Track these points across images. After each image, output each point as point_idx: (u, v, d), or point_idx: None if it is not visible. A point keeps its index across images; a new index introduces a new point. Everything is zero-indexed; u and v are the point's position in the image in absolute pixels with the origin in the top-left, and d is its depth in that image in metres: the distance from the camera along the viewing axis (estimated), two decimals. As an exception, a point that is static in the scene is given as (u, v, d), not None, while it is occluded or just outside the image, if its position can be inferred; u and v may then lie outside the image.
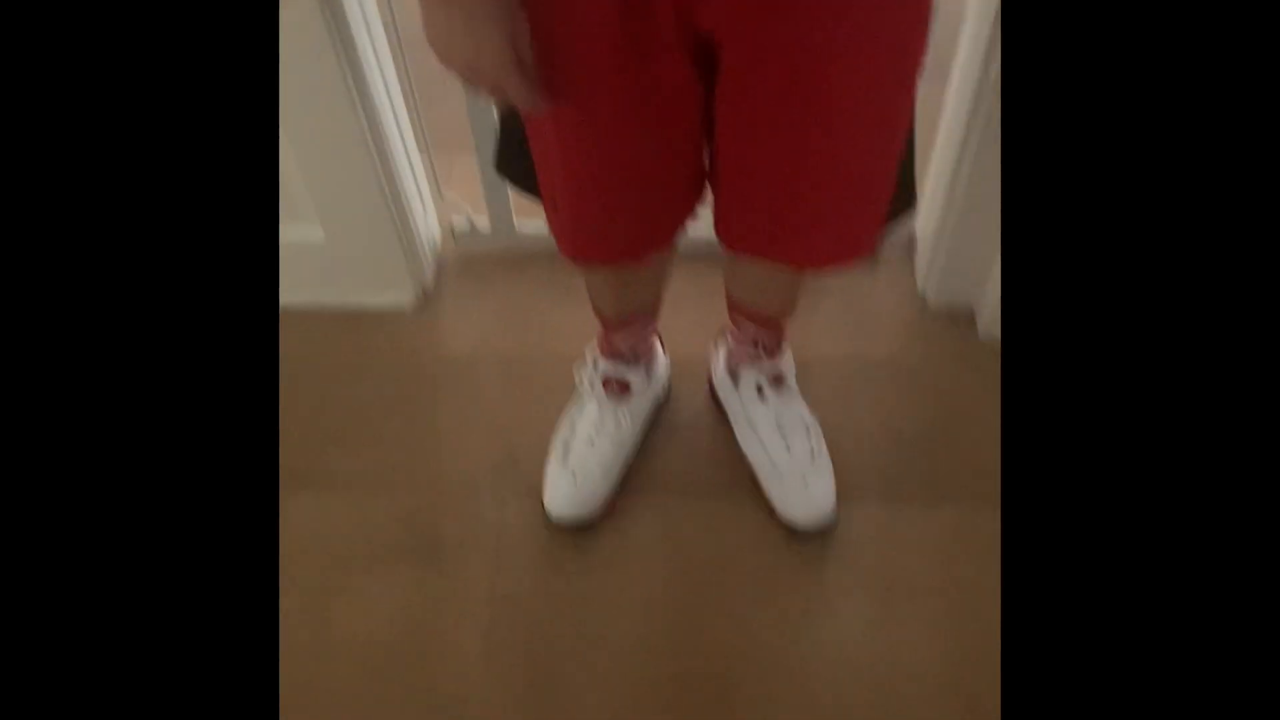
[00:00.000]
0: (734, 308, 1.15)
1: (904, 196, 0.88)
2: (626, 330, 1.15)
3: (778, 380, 1.18)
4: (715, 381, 1.26)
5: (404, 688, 1.08)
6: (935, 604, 1.13)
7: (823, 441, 1.20)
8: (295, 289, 1.40)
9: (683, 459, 1.26)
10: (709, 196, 0.90)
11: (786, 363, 1.19)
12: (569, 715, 1.06)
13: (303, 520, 1.21)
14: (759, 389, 1.18)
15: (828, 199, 0.81)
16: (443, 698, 1.07)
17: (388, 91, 1.28)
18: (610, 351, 1.18)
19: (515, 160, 0.89)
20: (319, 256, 1.37)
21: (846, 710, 1.05)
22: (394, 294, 1.44)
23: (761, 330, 1.15)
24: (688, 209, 0.90)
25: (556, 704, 1.07)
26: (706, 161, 0.86)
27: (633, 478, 1.23)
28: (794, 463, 1.16)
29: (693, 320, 1.35)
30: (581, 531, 1.18)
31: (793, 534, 1.16)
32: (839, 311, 1.42)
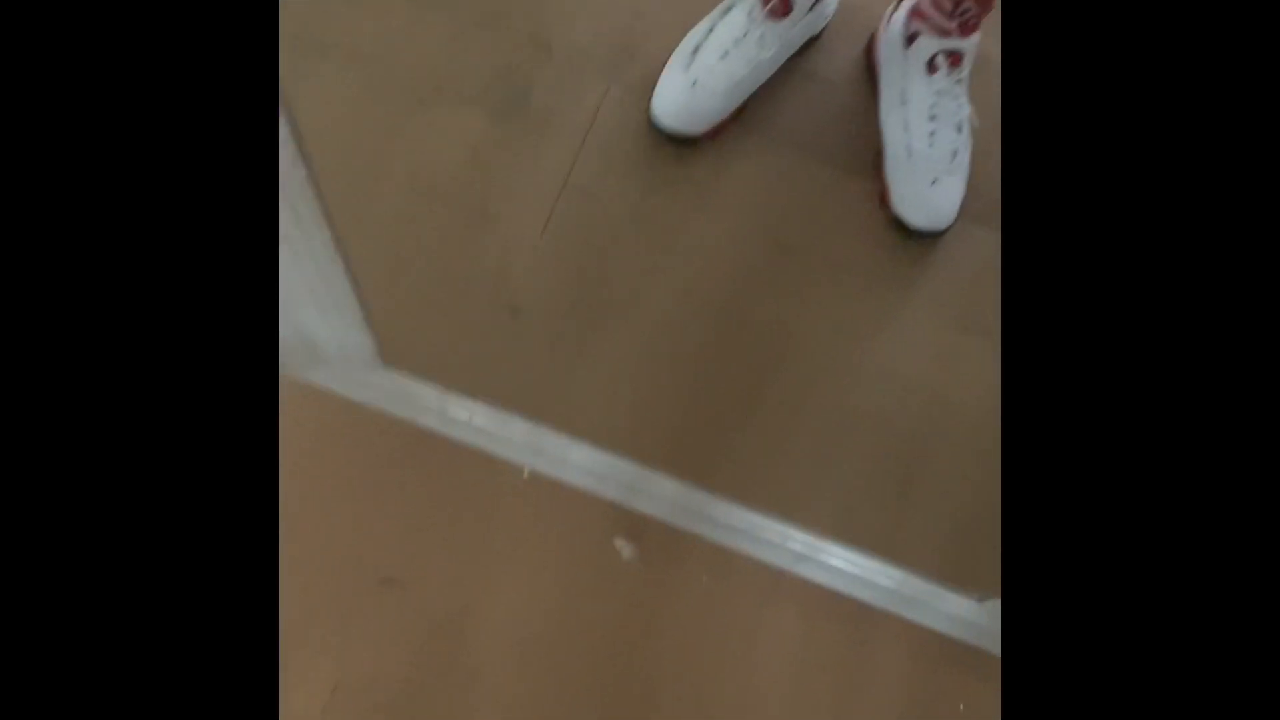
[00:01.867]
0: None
1: None
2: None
3: (955, 60, 1.01)
4: (883, 38, 1.09)
5: (450, 237, 1.02)
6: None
7: (969, 148, 1.06)
8: None
9: (811, 111, 1.12)
10: None
11: (973, 45, 1.02)
12: (604, 328, 1.01)
13: (407, 32, 1.09)
14: (931, 62, 1.02)
15: None
16: (489, 264, 1.02)
17: None
18: None
19: None
20: None
21: (883, 418, 1.01)
22: None
23: None
24: None
25: (595, 313, 1.01)
26: None
27: (751, 112, 1.10)
28: (932, 158, 1.03)
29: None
30: (679, 145, 1.07)
31: (897, 228, 1.06)
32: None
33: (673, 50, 1.07)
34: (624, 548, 0.94)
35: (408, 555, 0.92)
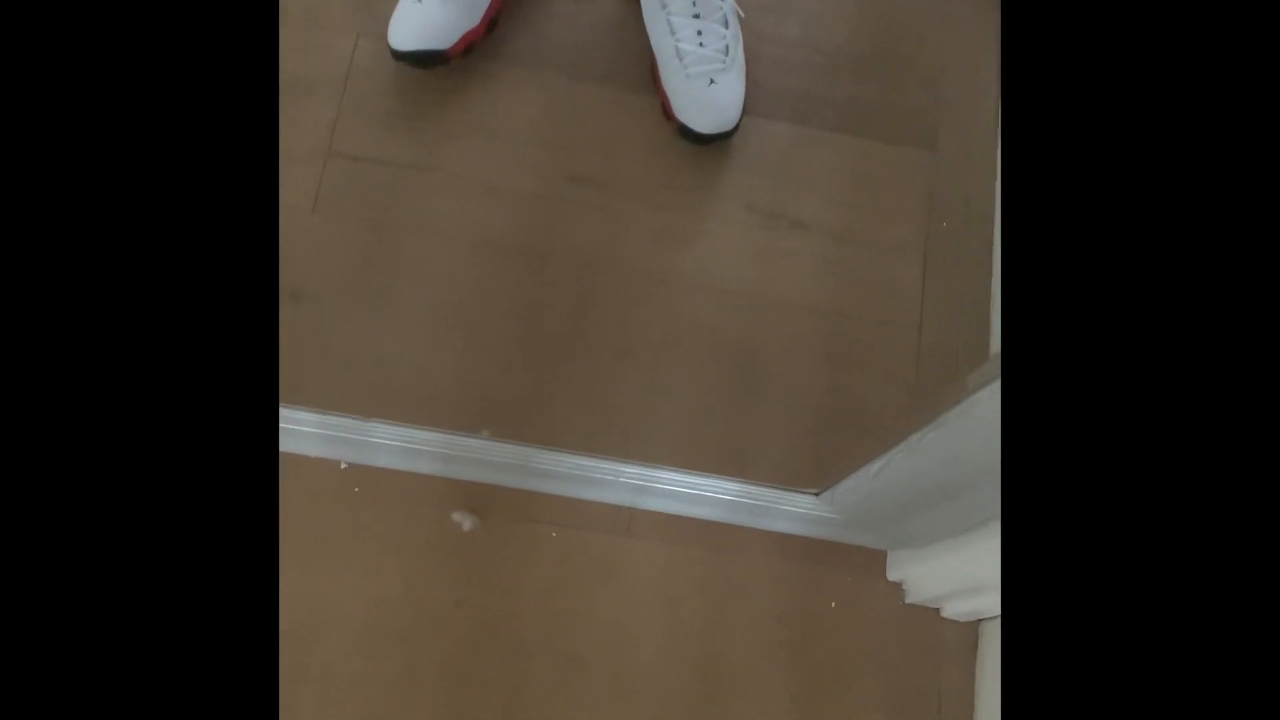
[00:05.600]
0: None
1: None
2: None
3: (706, -48, 0.97)
4: (631, -60, 1.05)
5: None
6: (825, 243, 1.04)
7: (740, 40, 1.03)
8: None
9: (576, 33, 1.07)
10: None
11: (721, -66, 0.98)
12: (399, 294, 0.95)
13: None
14: (682, -42, 0.97)
15: None
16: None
17: None
18: None
19: None
20: None
21: (710, 330, 0.99)
22: None
23: None
24: None
25: (388, 280, 0.96)
26: None
27: (512, 39, 1.04)
28: (703, 57, 1.00)
29: None
30: (442, 84, 1.00)
31: (685, 138, 1.03)
32: (792, -104, 1.19)
33: (412, -11, 1.00)
34: (463, 520, 0.90)
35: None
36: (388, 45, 0.99)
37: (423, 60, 0.99)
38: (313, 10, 1.03)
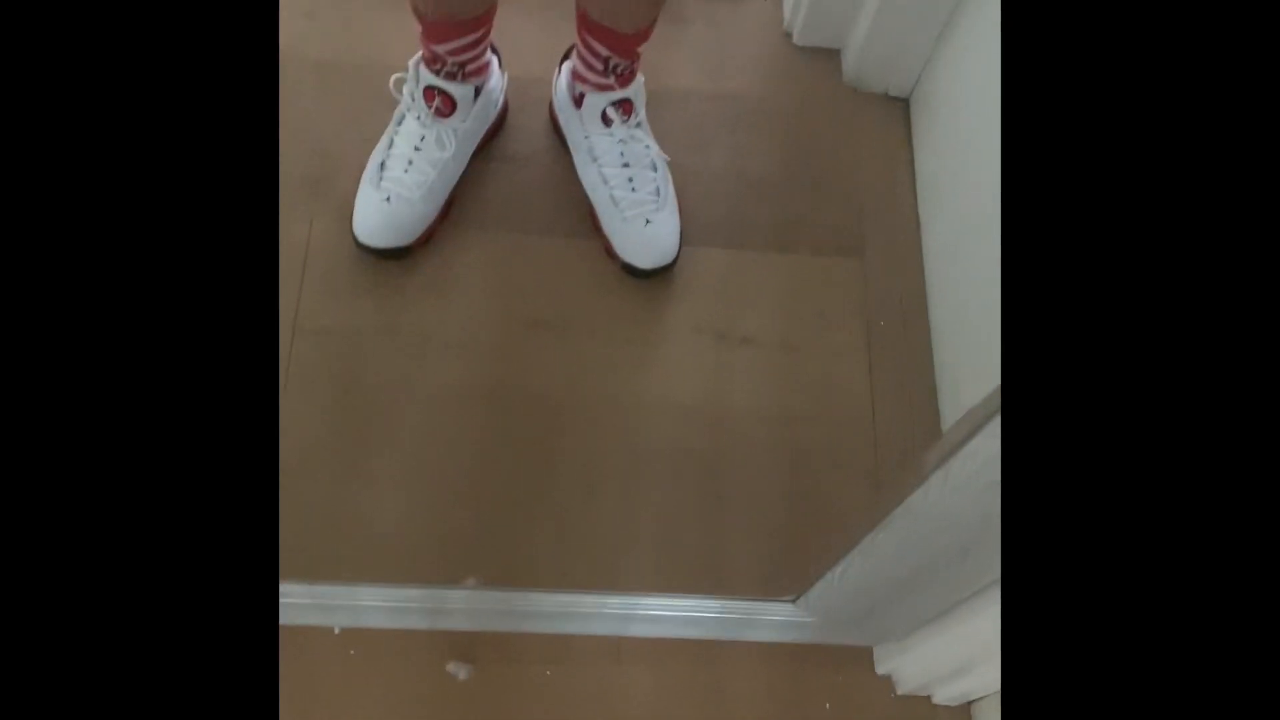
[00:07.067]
0: (584, 24, 1.01)
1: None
2: (451, 37, 0.99)
3: (626, 108, 1.06)
4: (556, 104, 1.13)
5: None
6: (773, 354, 1.10)
7: (670, 180, 1.11)
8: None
9: (517, 191, 1.15)
10: None
11: (637, 90, 1.07)
12: (375, 457, 0.99)
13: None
14: (604, 116, 1.06)
15: None
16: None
17: None
18: (433, 61, 1.02)
19: None
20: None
21: (674, 452, 1.03)
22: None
23: (613, 52, 1.01)
24: None
25: (362, 444, 1.00)
26: None
27: (460, 209, 1.11)
28: (637, 201, 1.07)
29: (539, 36, 1.20)
30: (397, 260, 1.07)
31: (630, 274, 1.09)
32: (699, 42, 1.29)
33: (362, 171, 1.07)
34: (458, 670, 0.92)
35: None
36: (351, 232, 1.06)
37: (390, 255, 1.06)
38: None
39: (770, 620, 0.92)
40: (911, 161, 1.23)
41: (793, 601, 0.89)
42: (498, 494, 1.00)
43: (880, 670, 0.96)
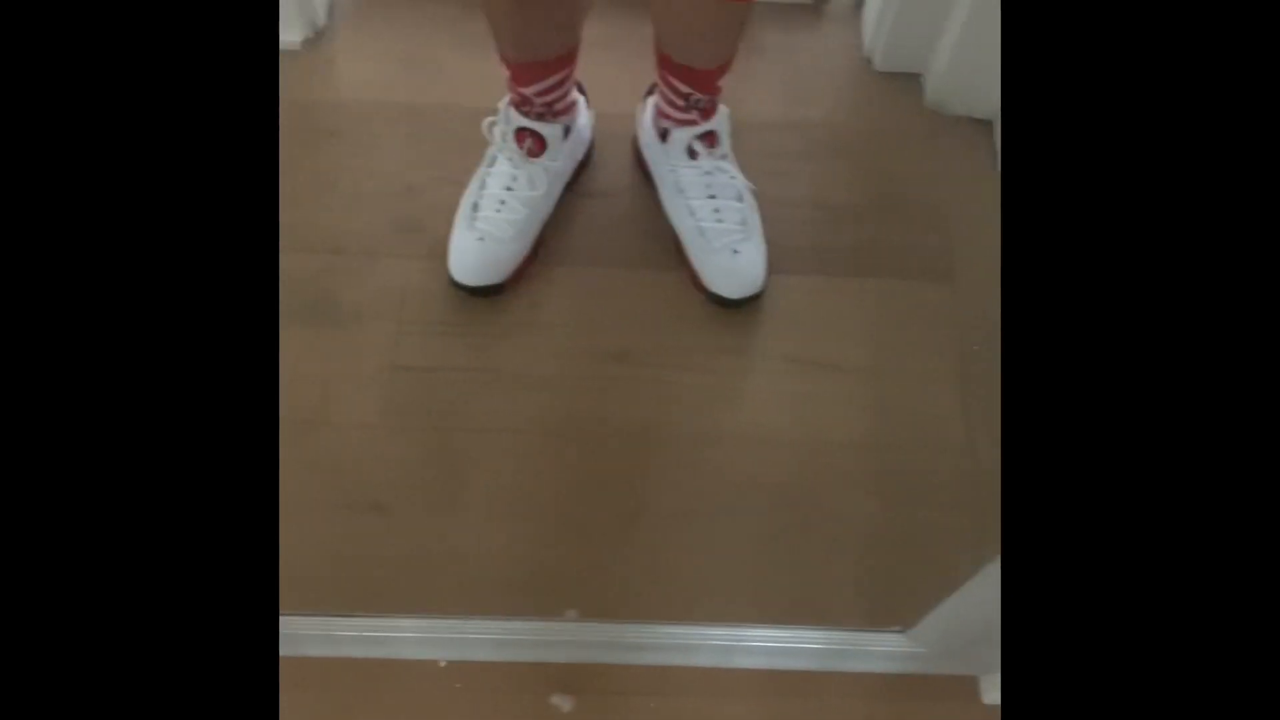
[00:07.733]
0: (664, 65, 1.02)
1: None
2: (537, 79, 1.02)
3: (711, 140, 1.07)
4: (641, 141, 1.15)
5: (303, 458, 1.01)
6: (863, 381, 1.09)
7: (756, 210, 1.12)
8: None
9: (603, 226, 1.17)
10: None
11: (721, 122, 1.08)
12: (471, 492, 1.01)
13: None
14: (690, 150, 1.07)
15: None
16: (344, 468, 1.01)
17: None
18: (522, 104, 1.05)
19: None
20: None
21: (766, 482, 1.03)
22: (280, 30, 1.26)
23: (694, 88, 1.03)
24: None
25: (459, 479, 1.02)
26: None
27: (547, 245, 1.14)
28: (724, 232, 1.08)
29: (622, 74, 1.22)
30: (489, 299, 1.09)
31: (717, 305, 1.10)
32: (778, 72, 1.30)
33: (454, 213, 1.10)
34: (562, 702, 0.93)
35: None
36: (447, 271, 1.08)
37: (484, 293, 1.08)
38: (366, 244, 1.13)
39: (876, 651, 0.91)
40: (998, 183, 1.22)
41: (901, 632, 0.88)
42: (591, 527, 1.00)
43: (987, 700, 0.94)
